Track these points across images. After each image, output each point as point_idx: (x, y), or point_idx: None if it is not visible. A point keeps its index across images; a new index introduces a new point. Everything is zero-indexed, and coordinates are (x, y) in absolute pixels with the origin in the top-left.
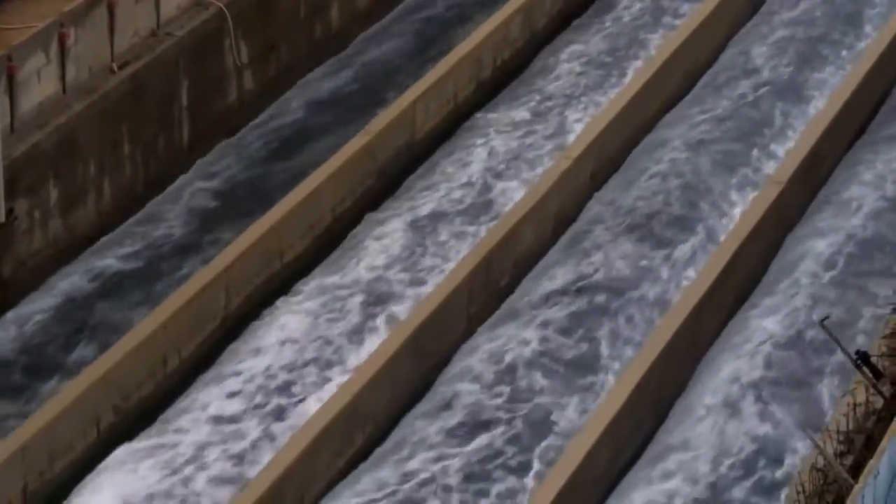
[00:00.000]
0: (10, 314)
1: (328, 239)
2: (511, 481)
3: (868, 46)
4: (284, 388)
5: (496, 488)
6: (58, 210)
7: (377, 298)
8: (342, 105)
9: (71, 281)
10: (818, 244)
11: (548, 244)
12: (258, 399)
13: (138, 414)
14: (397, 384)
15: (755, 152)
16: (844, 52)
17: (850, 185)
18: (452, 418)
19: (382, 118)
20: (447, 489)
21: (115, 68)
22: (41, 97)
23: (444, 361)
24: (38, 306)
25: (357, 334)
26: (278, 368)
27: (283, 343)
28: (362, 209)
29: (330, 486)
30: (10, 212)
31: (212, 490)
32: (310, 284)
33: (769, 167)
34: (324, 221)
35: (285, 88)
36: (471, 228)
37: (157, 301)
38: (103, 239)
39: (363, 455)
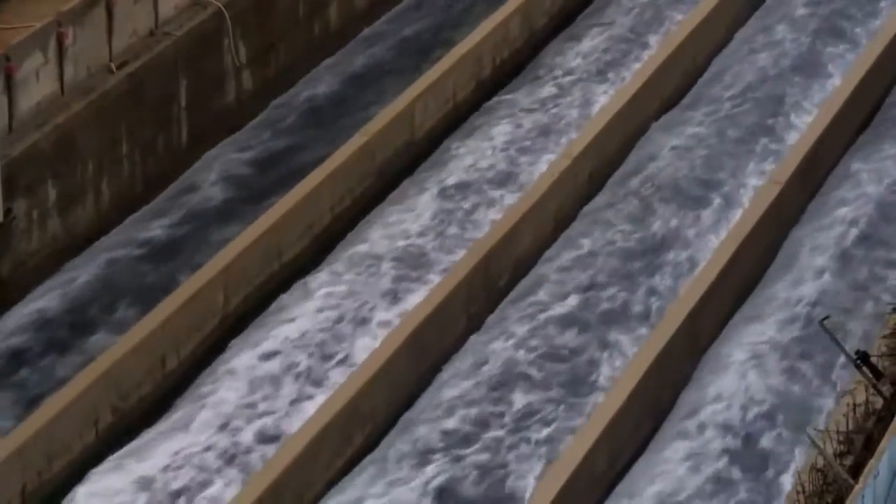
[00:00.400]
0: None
1: (327, 239)
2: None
3: (864, 50)
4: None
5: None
6: (56, 210)
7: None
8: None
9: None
10: (818, 243)
11: (546, 244)
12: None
13: (137, 414)
14: (396, 384)
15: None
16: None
17: (849, 184)
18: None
19: (381, 118)
20: None
21: (114, 68)
22: (39, 97)
23: (443, 361)
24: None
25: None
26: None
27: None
28: (361, 209)
29: (329, 486)
30: (8, 211)
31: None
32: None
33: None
34: (323, 221)
35: (284, 88)
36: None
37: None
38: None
39: (363, 454)
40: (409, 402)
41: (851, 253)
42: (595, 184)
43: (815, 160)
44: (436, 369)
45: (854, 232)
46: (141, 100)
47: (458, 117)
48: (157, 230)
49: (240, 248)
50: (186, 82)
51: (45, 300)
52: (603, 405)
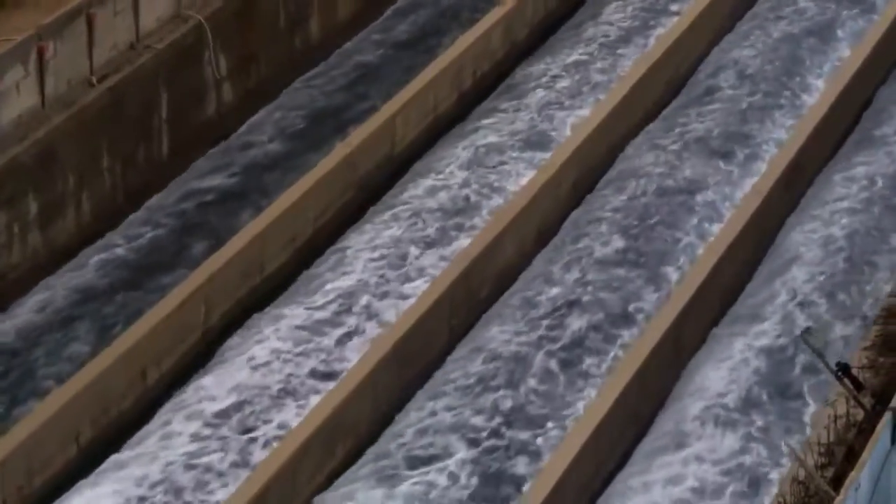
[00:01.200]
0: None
1: (309, 251)
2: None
3: (847, 58)
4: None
5: None
6: (37, 223)
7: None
8: None
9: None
10: (800, 255)
11: (530, 255)
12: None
13: (118, 428)
14: (380, 395)
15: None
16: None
17: (832, 192)
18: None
19: (363, 130)
20: None
21: (95, 81)
22: (20, 110)
23: (427, 373)
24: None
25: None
26: None
27: None
28: (344, 221)
29: (311, 497)
30: None
31: None
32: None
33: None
34: (305, 234)
35: (265, 101)
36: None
37: None
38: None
39: (345, 466)
40: (392, 414)
41: (835, 265)
42: (578, 194)
43: (797, 170)
44: (419, 382)
45: (837, 244)
46: (122, 113)
47: (439, 129)
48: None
49: (222, 261)
50: (167, 95)
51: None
52: (585, 417)
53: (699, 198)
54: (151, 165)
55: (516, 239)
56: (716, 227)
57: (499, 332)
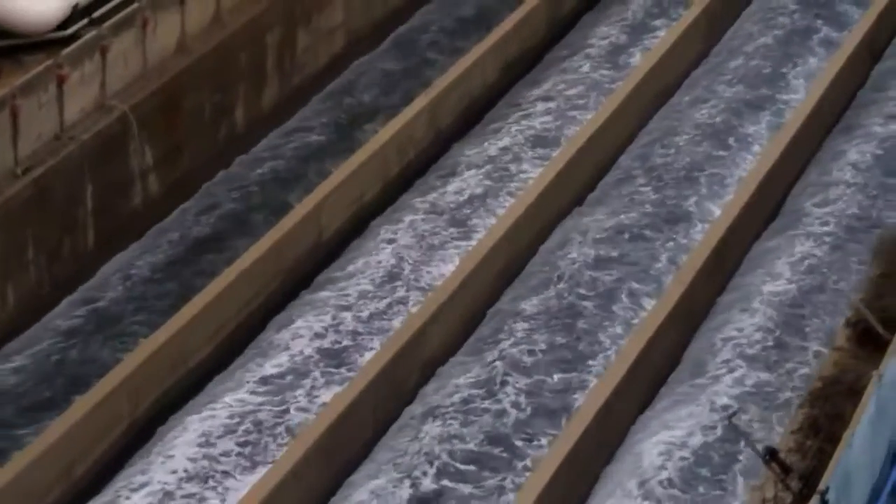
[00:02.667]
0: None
1: (234, 342)
2: None
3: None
4: None
5: None
6: None
7: None
8: None
9: None
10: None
11: (455, 347)
12: None
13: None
14: (303, 492)
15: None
16: None
17: (762, 267)
18: None
19: (289, 219)
20: None
21: (20, 172)
22: None
23: (352, 468)
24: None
25: None
26: None
27: None
28: (269, 311)
29: None
30: None
31: None
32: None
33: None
34: (229, 326)
35: (192, 191)
36: None
37: None
38: None
39: None
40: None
41: (760, 353)
42: (504, 283)
43: (725, 248)
44: (345, 473)
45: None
46: (47, 204)
47: (364, 218)
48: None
49: (146, 354)
50: (93, 186)
51: None
52: (550, 453)
53: None
54: (77, 257)
55: (442, 329)
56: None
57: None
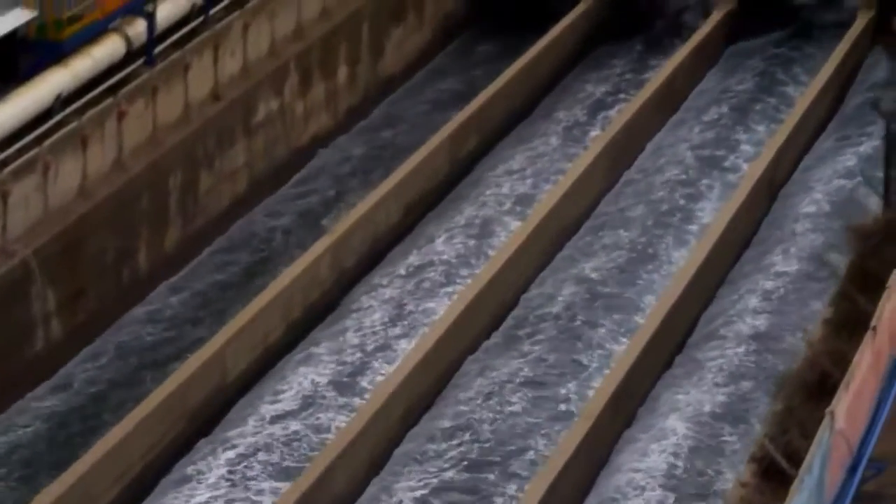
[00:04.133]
0: None
1: (138, 489)
2: None
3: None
4: None
5: None
6: None
7: None
8: None
9: None
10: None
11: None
12: None
13: None
14: None
15: None
16: None
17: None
18: None
19: (192, 362)
20: None
21: None
22: None
23: None
24: None
25: None
26: None
27: None
28: (173, 456)
29: None
30: None
31: None
32: None
33: None
34: (133, 471)
35: (95, 335)
36: None
37: None
38: None
39: None
40: None
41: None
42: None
43: (625, 391)
44: None
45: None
46: None
47: (268, 359)
48: None
49: (51, 499)
50: None
51: None
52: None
53: None
54: None
55: (347, 470)
56: None
57: None
